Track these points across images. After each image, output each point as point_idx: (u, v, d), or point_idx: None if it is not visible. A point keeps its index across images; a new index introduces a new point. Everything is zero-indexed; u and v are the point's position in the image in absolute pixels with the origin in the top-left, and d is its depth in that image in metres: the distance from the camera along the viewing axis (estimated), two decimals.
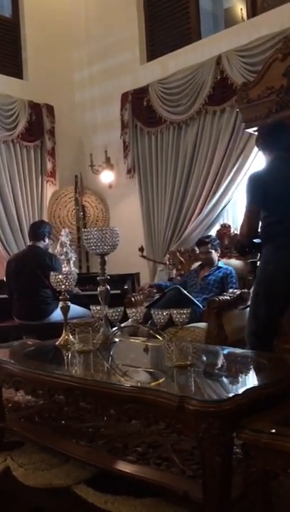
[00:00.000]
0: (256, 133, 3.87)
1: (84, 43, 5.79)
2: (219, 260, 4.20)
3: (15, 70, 5.61)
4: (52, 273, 2.79)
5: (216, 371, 2.19)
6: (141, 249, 4.90)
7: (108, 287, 2.69)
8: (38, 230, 4.24)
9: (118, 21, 5.47)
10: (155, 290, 4.35)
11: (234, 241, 4.03)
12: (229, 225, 4.55)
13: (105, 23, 5.59)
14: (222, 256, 4.31)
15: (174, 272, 4.69)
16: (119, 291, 4.56)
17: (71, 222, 5.72)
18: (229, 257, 4.36)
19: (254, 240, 2.92)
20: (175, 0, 5.18)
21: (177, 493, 1.80)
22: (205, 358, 2.25)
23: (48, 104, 5.58)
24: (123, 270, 4.84)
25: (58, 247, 2.81)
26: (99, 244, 2.58)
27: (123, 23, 5.44)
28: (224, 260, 4.29)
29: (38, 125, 5.51)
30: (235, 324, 3.76)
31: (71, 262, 2.80)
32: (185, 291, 3.90)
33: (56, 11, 5.75)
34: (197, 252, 4.38)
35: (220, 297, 3.72)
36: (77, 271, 2.99)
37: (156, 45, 5.36)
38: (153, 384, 1.90)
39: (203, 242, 4.19)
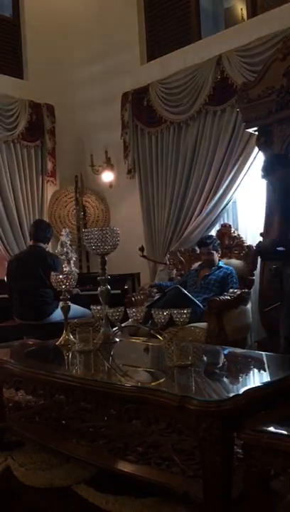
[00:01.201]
0: (256, 133, 3.87)
1: (85, 42, 5.78)
2: (219, 260, 4.20)
3: (16, 70, 5.61)
4: (52, 273, 2.79)
5: (216, 371, 2.19)
6: (142, 249, 4.89)
7: (108, 287, 2.69)
8: (43, 232, 4.25)
9: (118, 21, 5.47)
10: (155, 290, 4.35)
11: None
12: (230, 225, 4.54)
13: (105, 23, 5.59)
14: (222, 256, 4.31)
15: (174, 271, 4.68)
16: (119, 291, 4.56)
17: (71, 222, 5.72)
18: (230, 257, 4.36)
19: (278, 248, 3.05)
20: (176, 0, 5.18)
21: (177, 493, 1.80)
22: (205, 358, 2.25)
23: (49, 104, 5.58)
24: (123, 270, 4.84)
25: (58, 247, 2.81)
26: (99, 244, 2.59)
27: (123, 23, 5.44)
28: (225, 260, 4.29)
29: (38, 125, 5.51)
30: (235, 324, 3.76)
31: (71, 262, 2.79)
32: (185, 291, 3.89)
33: (56, 11, 5.74)
34: (198, 252, 4.38)
35: (221, 297, 3.72)
36: (78, 271, 2.99)
37: (156, 45, 5.35)
38: (153, 384, 1.90)
39: (204, 243, 4.18)
